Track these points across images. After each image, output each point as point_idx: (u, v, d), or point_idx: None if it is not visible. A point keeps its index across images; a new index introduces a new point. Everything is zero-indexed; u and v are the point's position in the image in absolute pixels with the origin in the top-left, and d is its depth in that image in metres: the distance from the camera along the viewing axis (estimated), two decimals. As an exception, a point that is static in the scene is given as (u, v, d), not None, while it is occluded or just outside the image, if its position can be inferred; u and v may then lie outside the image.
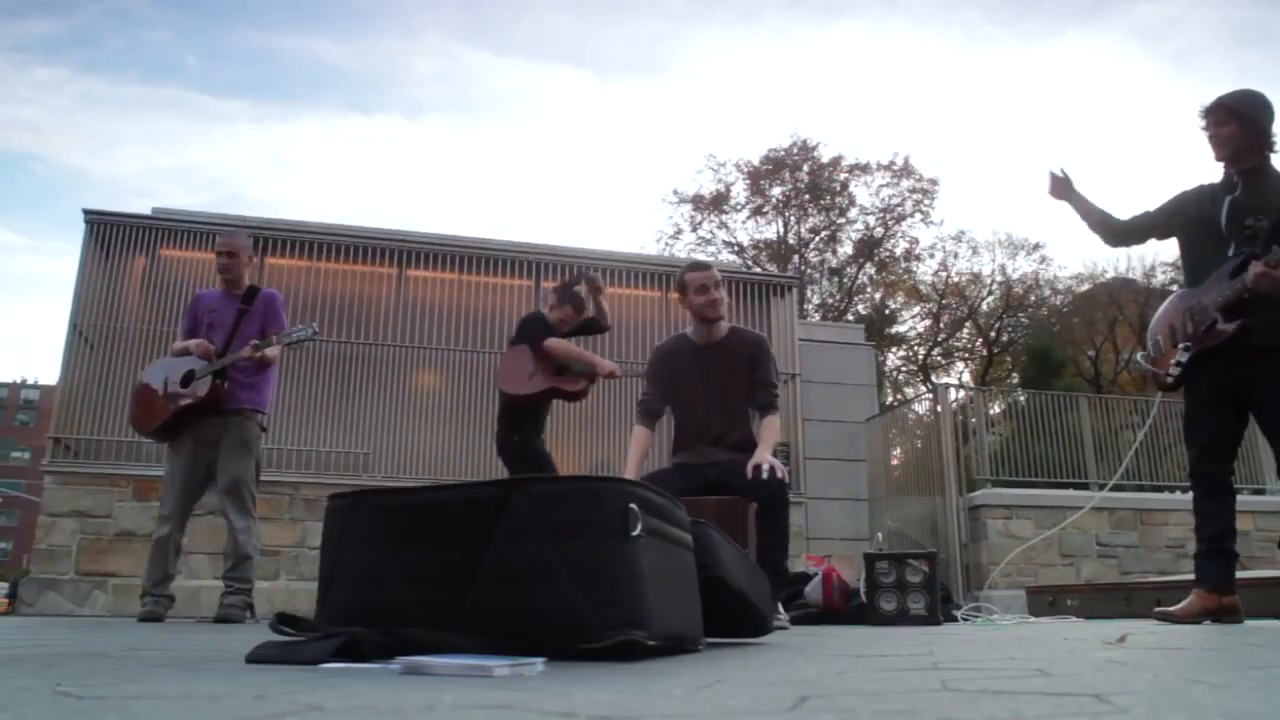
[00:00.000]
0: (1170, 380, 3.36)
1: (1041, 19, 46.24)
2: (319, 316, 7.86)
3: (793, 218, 24.28)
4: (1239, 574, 3.39)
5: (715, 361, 3.67)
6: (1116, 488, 9.38)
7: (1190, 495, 3.40)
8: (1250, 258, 3.10)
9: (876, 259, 24.39)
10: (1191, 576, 3.35)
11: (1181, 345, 3.31)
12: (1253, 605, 4.45)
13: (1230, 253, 3.20)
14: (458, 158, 68.98)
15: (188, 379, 4.17)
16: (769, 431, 3.53)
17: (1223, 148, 3.25)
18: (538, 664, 1.24)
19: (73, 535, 6.85)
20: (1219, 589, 3.21)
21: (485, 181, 68.11)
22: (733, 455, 3.53)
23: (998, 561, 8.05)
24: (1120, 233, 3.60)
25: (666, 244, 23.29)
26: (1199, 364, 3.26)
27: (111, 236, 7.67)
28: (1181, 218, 3.43)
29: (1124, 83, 48.94)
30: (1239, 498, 3.36)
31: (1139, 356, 3.63)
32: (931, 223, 23.90)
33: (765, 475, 3.30)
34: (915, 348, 25.11)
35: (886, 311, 24.46)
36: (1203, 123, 3.30)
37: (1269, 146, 3.19)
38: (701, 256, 21.51)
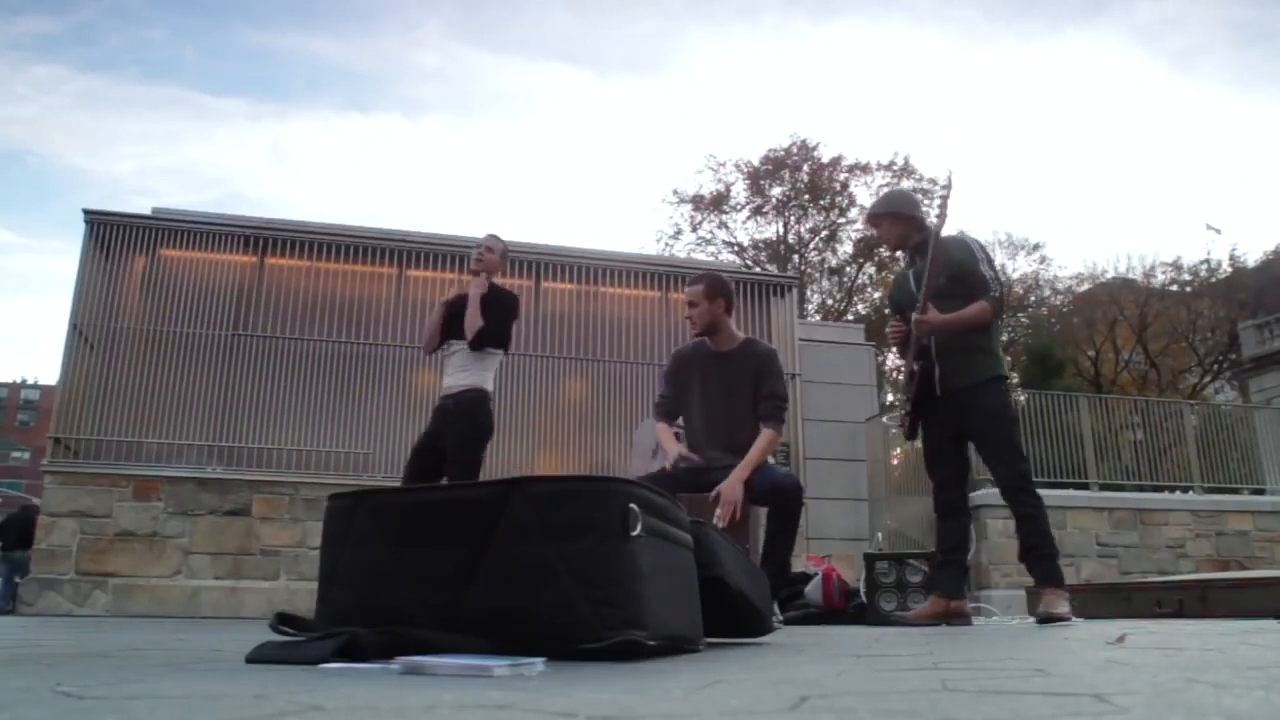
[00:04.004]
0: (905, 433, 3.87)
1: (1041, 18, 46.29)
2: (319, 316, 7.87)
3: (793, 218, 24.26)
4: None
5: (724, 369, 3.70)
6: (1116, 488, 9.40)
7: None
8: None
9: (876, 259, 24.36)
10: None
11: (900, 400, 3.72)
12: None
13: None
14: (458, 158, 68.96)
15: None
16: (759, 447, 3.51)
17: (890, 243, 3.96)
18: (538, 664, 1.24)
19: (73, 535, 6.85)
20: (949, 595, 3.66)
21: (485, 181, 68.08)
22: (738, 460, 3.55)
23: (997, 562, 8.05)
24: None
25: (666, 244, 23.26)
26: (924, 412, 3.70)
27: (111, 236, 7.67)
28: (897, 303, 3.94)
29: (1124, 82, 48.98)
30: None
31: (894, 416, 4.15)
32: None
33: (716, 518, 3.30)
34: (915, 348, 25.07)
35: (887, 312, 24.44)
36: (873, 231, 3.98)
37: (922, 224, 3.80)
38: (701, 257, 21.51)
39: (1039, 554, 3.47)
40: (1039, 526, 3.46)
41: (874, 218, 3.96)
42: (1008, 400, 3.68)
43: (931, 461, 3.80)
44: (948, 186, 3.72)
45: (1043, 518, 3.48)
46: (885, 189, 23.73)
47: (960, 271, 3.60)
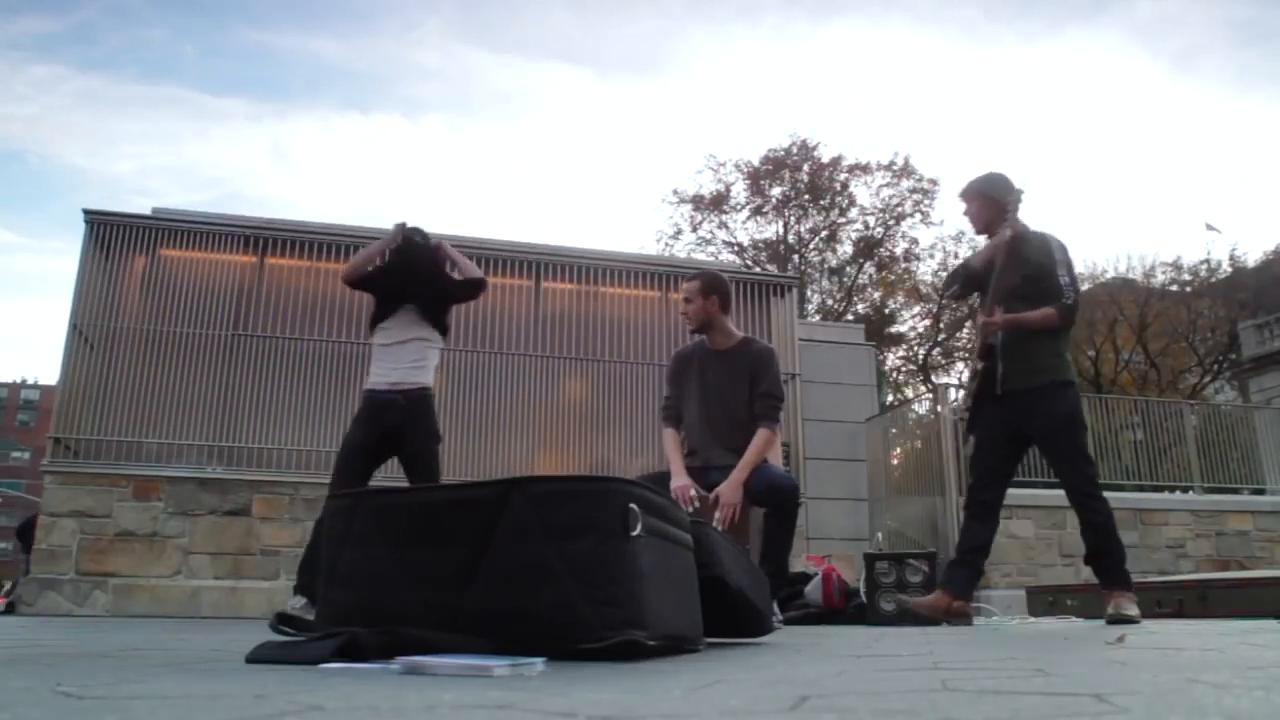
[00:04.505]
0: (966, 429, 3.91)
1: (1041, 18, 46.34)
2: (319, 316, 7.86)
3: (792, 218, 24.25)
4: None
5: (722, 369, 3.71)
6: (1116, 488, 9.39)
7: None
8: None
9: (876, 259, 24.37)
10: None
11: (964, 395, 3.93)
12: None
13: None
14: (458, 158, 69.00)
15: None
16: (755, 447, 3.50)
17: (976, 225, 3.86)
18: (538, 664, 1.24)
19: (73, 535, 6.85)
20: (956, 594, 3.75)
21: (485, 181, 68.11)
22: (737, 459, 3.55)
23: (997, 562, 8.04)
24: (970, 279, 3.89)
25: (666, 244, 23.26)
26: (982, 409, 3.74)
27: (111, 236, 7.66)
28: (980, 281, 3.86)
29: (1124, 82, 48.99)
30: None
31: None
32: (931, 223, 23.79)
33: (716, 520, 3.30)
34: (915, 348, 25.08)
35: (886, 311, 24.44)
36: (962, 206, 3.88)
37: (1009, 215, 3.64)
38: (701, 257, 21.51)
39: (1108, 559, 3.49)
40: (1107, 532, 3.48)
41: (967, 194, 3.87)
42: (1077, 405, 3.65)
43: (979, 457, 3.82)
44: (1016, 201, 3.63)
45: (1111, 523, 3.50)
46: (885, 188, 23.79)
47: (1038, 273, 3.60)
